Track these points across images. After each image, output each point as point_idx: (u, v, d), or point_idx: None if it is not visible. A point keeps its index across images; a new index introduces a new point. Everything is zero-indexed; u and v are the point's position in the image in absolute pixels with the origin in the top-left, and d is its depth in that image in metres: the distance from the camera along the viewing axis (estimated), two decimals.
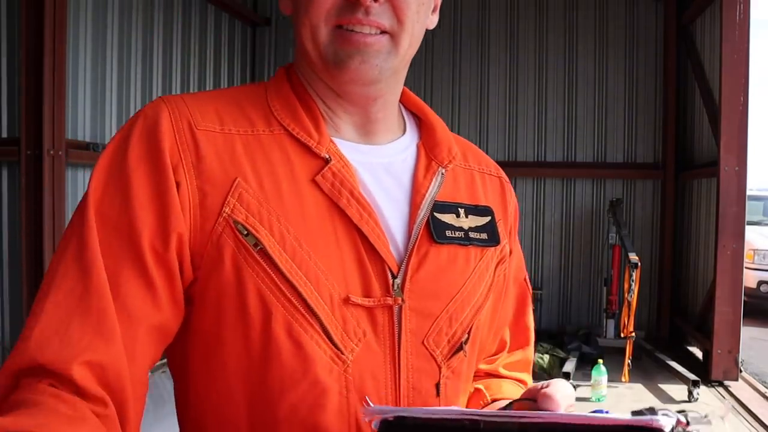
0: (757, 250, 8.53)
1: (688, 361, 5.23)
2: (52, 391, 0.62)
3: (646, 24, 6.47)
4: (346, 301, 0.76)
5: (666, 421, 0.62)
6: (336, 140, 0.82)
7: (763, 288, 8.54)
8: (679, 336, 6.19)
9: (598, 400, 4.25)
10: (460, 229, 0.85)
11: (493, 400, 0.93)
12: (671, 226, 6.40)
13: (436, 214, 0.83)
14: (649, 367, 5.14)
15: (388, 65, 0.80)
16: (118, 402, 0.67)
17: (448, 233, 0.83)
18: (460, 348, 0.83)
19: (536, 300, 6.19)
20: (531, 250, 6.41)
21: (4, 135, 4.25)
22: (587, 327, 6.06)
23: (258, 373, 0.75)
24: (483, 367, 0.98)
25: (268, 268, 0.74)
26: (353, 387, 0.76)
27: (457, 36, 6.58)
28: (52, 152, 4.16)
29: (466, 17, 6.55)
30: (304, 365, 0.74)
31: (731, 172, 4.88)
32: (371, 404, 0.74)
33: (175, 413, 0.85)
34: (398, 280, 0.79)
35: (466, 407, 0.90)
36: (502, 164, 1.05)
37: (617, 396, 4.40)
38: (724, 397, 4.48)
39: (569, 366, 4.84)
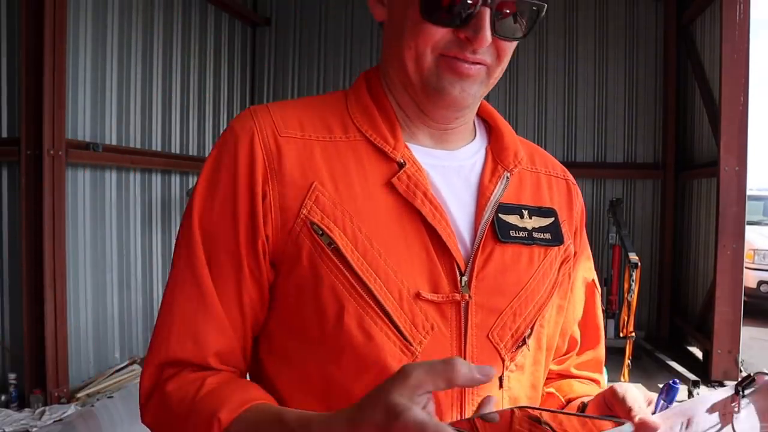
0: (757, 250, 8.51)
1: (688, 361, 5.23)
2: (198, 374, 0.81)
3: (646, 24, 6.48)
4: (417, 296, 0.81)
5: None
6: (411, 145, 0.88)
7: (763, 288, 8.52)
8: (679, 336, 6.19)
9: None
10: (524, 229, 0.90)
11: (568, 401, 0.97)
12: (671, 226, 6.41)
13: (500, 215, 0.88)
14: (649, 367, 5.14)
15: (480, 93, 0.87)
16: (237, 370, 0.86)
17: (512, 233, 0.88)
18: (524, 342, 0.88)
19: None
20: None
21: (4, 135, 4.25)
22: None
23: (333, 359, 0.81)
24: (554, 368, 1.01)
25: (341, 265, 0.80)
26: None
27: None
28: (52, 152, 4.16)
29: None
30: (375, 353, 0.80)
31: (731, 172, 4.88)
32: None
33: None
34: (465, 277, 0.84)
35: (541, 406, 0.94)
36: None
37: None
38: None
39: None
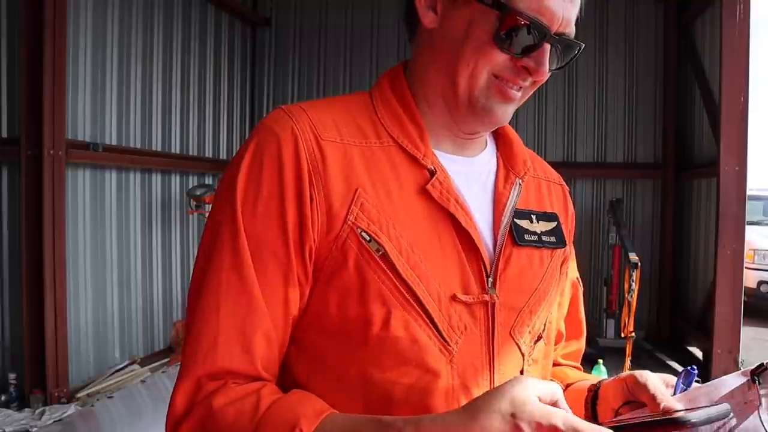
0: (757, 250, 8.52)
1: (688, 361, 5.23)
2: (247, 386, 0.79)
3: (646, 24, 6.48)
4: (453, 298, 0.85)
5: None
6: (435, 151, 0.91)
7: (763, 288, 8.53)
8: (679, 336, 6.19)
9: None
10: (534, 233, 0.95)
11: (567, 386, 1.03)
12: (671, 226, 6.41)
13: (515, 219, 0.94)
14: (649, 367, 5.09)
15: (513, 111, 0.92)
16: (275, 379, 0.85)
17: (526, 236, 0.94)
18: (539, 337, 0.94)
19: None
20: None
21: (4, 135, 4.25)
22: (587, 327, 6.06)
23: (375, 361, 0.83)
24: None
25: (388, 271, 0.82)
26: (457, 374, 0.85)
27: None
28: (52, 152, 4.16)
29: None
30: (419, 356, 0.83)
31: (731, 172, 4.87)
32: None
33: None
34: (491, 279, 0.89)
35: None
36: None
37: None
38: None
39: None
